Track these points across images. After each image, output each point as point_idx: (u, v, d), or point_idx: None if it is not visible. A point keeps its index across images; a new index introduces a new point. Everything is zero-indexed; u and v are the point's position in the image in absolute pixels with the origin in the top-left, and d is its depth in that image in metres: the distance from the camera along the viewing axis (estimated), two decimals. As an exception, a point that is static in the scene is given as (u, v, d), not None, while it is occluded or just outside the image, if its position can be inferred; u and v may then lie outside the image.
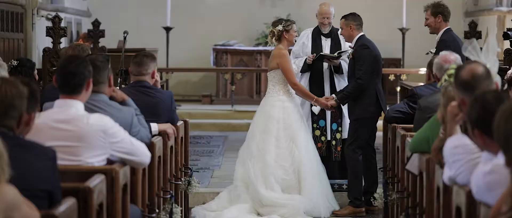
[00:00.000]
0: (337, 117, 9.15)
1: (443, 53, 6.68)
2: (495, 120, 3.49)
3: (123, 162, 5.20)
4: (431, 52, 8.86)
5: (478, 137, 3.87)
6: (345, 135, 9.20)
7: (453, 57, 6.56)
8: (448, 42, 8.68)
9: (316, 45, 9.37)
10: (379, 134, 8.81)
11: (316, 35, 9.44)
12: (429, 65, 7.45)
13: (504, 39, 10.56)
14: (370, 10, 16.72)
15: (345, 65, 9.16)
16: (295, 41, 9.00)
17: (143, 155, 5.29)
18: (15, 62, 8.15)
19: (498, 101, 3.80)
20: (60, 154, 4.92)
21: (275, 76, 8.78)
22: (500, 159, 3.73)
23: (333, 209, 8.66)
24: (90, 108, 5.35)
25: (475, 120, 3.87)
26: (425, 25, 9.06)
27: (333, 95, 8.89)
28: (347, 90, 8.70)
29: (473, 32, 14.99)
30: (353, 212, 8.66)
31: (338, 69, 9.26)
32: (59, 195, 4.15)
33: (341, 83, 9.19)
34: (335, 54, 9.14)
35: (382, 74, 17.07)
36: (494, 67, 4.95)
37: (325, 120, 9.24)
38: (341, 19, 8.78)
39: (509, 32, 10.28)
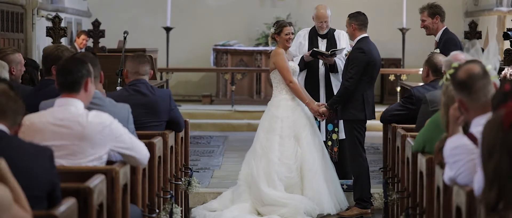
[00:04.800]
0: (333, 117, 9.13)
1: (454, 52, 6.65)
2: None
3: (123, 162, 5.21)
4: (434, 53, 8.84)
5: None
6: (341, 135, 9.22)
7: (463, 56, 6.56)
8: (455, 41, 8.69)
9: (313, 45, 9.39)
10: (379, 134, 8.80)
11: (313, 35, 9.47)
12: (428, 62, 7.45)
13: (504, 39, 10.56)
14: (370, 10, 16.63)
15: (341, 64, 9.17)
16: (291, 42, 8.97)
17: (141, 152, 5.30)
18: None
19: None
20: (61, 152, 4.94)
21: (276, 77, 8.82)
22: None
23: (341, 208, 8.68)
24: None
25: None
26: (422, 27, 9.04)
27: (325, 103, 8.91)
28: (337, 95, 8.75)
29: (473, 33, 15.00)
30: (359, 213, 8.65)
31: (333, 68, 9.27)
32: (59, 193, 4.15)
33: (336, 82, 9.19)
34: (328, 52, 9.16)
35: (382, 74, 17.29)
36: (495, 70, 4.95)
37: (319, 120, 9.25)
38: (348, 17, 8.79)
39: (509, 32, 10.28)
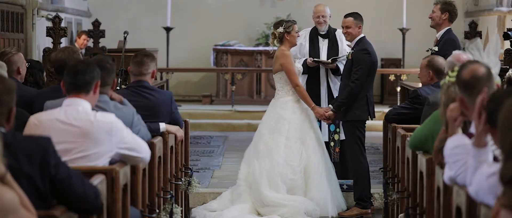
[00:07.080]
0: (334, 118, 9.13)
1: (456, 52, 6.64)
2: (503, 106, 3.50)
3: (124, 162, 5.21)
4: (432, 50, 8.84)
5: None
6: (343, 136, 9.20)
7: (465, 57, 6.56)
8: (454, 42, 8.69)
9: (314, 46, 9.37)
10: (379, 134, 8.80)
11: (314, 36, 9.44)
12: (430, 66, 7.46)
13: (504, 39, 10.55)
14: (370, 10, 16.72)
15: (342, 67, 9.16)
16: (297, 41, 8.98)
17: (144, 151, 5.33)
18: (27, 64, 8.21)
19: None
20: (68, 150, 4.96)
21: (282, 77, 8.76)
22: None
23: (342, 209, 8.67)
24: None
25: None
26: (429, 17, 9.02)
27: (330, 105, 8.86)
28: (342, 98, 8.67)
29: (473, 33, 14.98)
30: (360, 213, 8.65)
31: (336, 72, 9.27)
32: (72, 176, 4.12)
33: (337, 85, 9.18)
34: (329, 60, 9.16)
35: (382, 74, 17.31)
36: (495, 69, 4.95)
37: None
38: (347, 17, 8.70)
39: (509, 32, 10.27)
